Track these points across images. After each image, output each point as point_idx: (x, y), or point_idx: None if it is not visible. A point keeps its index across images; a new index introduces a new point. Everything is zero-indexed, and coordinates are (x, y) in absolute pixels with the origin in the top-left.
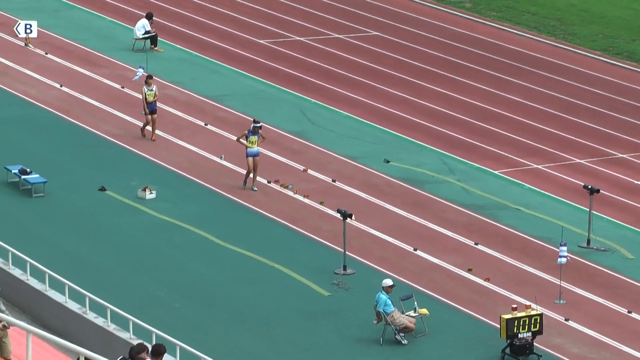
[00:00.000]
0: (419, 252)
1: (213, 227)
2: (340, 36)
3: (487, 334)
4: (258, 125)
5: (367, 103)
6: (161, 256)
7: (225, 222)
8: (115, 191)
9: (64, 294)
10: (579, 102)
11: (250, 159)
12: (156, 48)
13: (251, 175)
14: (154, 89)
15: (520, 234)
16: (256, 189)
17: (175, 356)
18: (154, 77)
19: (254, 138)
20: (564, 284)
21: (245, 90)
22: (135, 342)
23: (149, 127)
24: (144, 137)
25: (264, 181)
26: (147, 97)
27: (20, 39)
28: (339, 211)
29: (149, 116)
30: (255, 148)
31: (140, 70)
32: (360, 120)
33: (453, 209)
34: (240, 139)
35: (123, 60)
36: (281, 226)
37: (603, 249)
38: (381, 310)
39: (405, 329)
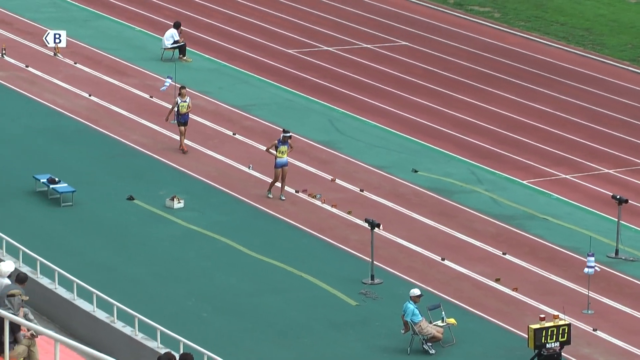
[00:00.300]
0: (446, 262)
1: (241, 237)
2: (369, 46)
3: (515, 344)
4: (288, 135)
5: (395, 113)
6: (189, 265)
7: (253, 232)
8: (143, 200)
9: (92, 303)
10: (607, 112)
11: (279, 169)
12: (185, 58)
13: (278, 184)
14: (187, 100)
15: (548, 244)
16: (284, 198)
17: None
18: (186, 88)
19: (283, 148)
20: (592, 294)
21: (274, 99)
22: (163, 351)
23: (185, 141)
24: (185, 153)
25: (292, 191)
26: (180, 108)
27: (49, 49)
28: (366, 221)
29: (182, 127)
30: (284, 158)
31: (169, 80)
32: (389, 130)
33: (481, 219)
34: (270, 149)
35: (152, 70)
36: (309, 236)
37: (631, 259)
38: (409, 319)
39: (433, 339)
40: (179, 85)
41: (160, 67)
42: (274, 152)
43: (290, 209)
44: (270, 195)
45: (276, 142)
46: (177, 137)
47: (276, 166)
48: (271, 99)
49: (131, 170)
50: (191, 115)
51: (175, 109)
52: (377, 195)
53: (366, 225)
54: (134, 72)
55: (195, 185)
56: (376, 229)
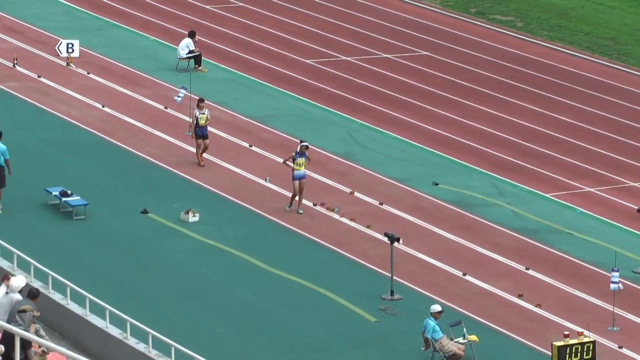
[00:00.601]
0: (468, 277)
1: (257, 251)
2: (389, 56)
3: None
4: (305, 144)
5: (415, 124)
6: (204, 280)
7: (269, 246)
8: (158, 214)
9: (104, 319)
10: (632, 124)
11: (297, 182)
12: (200, 68)
13: (297, 197)
14: (205, 112)
15: (573, 259)
16: (302, 211)
17: None
18: (205, 101)
19: (301, 160)
20: (618, 311)
21: (291, 110)
22: None
23: (204, 154)
24: (202, 166)
25: (310, 204)
26: (198, 120)
27: (62, 59)
28: (386, 235)
29: (200, 140)
30: (302, 170)
31: (183, 90)
32: (408, 141)
33: (503, 233)
34: (287, 162)
35: (166, 80)
36: (327, 250)
37: None
38: (429, 336)
39: (454, 356)
40: (198, 98)
41: (175, 78)
42: (291, 164)
43: (308, 222)
44: (289, 209)
45: (293, 154)
46: (193, 149)
47: (294, 179)
48: (288, 110)
49: (145, 182)
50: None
51: (194, 121)
52: (396, 208)
53: (386, 239)
54: (148, 83)
55: (211, 198)
56: (396, 244)
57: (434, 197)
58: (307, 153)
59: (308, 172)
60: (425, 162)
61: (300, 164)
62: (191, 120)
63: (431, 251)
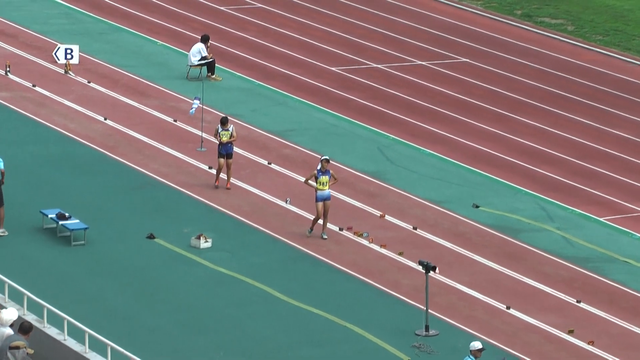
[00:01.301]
0: (512, 311)
1: (277, 281)
2: (425, 63)
3: None
4: (325, 158)
5: (453, 139)
6: (217, 314)
7: (290, 275)
8: (166, 239)
9: (106, 356)
10: None
11: (320, 203)
12: (213, 76)
13: (320, 221)
14: (230, 128)
15: (630, 291)
16: (326, 237)
17: None
18: (229, 120)
19: (324, 179)
20: None
21: (315, 124)
22: None
23: (223, 175)
24: (217, 188)
25: (335, 228)
26: (220, 137)
27: (60, 66)
28: (420, 263)
29: (222, 160)
30: (326, 191)
31: (196, 102)
32: (446, 159)
33: (552, 262)
34: (309, 181)
35: (176, 90)
36: (354, 280)
37: None
38: None
39: None
40: (222, 115)
41: (186, 87)
42: (314, 183)
43: (334, 249)
44: (309, 234)
45: (315, 172)
46: (204, 167)
47: (317, 200)
48: (312, 124)
49: (152, 204)
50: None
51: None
52: (432, 234)
53: (420, 268)
54: (156, 93)
55: (225, 221)
56: (431, 273)
57: (474, 221)
58: (331, 171)
59: (333, 193)
60: (465, 181)
61: (323, 183)
62: (215, 136)
63: (471, 281)
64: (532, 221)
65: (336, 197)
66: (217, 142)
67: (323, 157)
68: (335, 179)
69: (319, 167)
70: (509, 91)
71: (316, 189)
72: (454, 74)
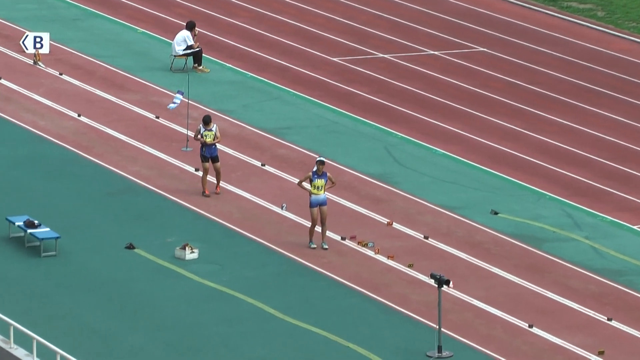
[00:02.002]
0: (535, 330)
1: (271, 296)
2: (436, 53)
3: None
4: (320, 160)
5: (469, 138)
6: (206, 332)
7: (286, 290)
8: (147, 250)
9: None
10: None
11: (315, 209)
12: (200, 67)
13: (318, 229)
14: (213, 128)
15: None
16: (327, 246)
17: None
18: (212, 119)
19: (319, 182)
20: None
21: (314, 121)
22: None
23: (212, 178)
24: (206, 196)
25: (337, 237)
26: (204, 137)
27: (28, 56)
28: (432, 276)
29: (206, 164)
30: (321, 195)
31: (179, 95)
32: (461, 159)
33: (580, 275)
34: (303, 183)
35: (158, 82)
36: (358, 295)
37: None
38: None
39: None
40: (204, 116)
41: (170, 79)
42: (309, 186)
43: (335, 260)
44: (314, 245)
45: (310, 174)
46: (190, 169)
47: (311, 205)
48: (310, 121)
49: (131, 211)
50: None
51: (200, 138)
52: (446, 243)
53: (432, 282)
54: (136, 86)
55: (213, 230)
56: (445, 287)
57: (492, 229)
58: (329, 174)
59: (334, 198)
60: (482, 185)
61: (319, 187)
62: (195, 137)
63: (489, 297)
64: (557, 229)
65: (338, 203)
66: (200, 144)
67: (318, 159)
68: (332, 183)
69: (314, 169)
70: (531, 84)
71: (310, 193)
72: (469, 65)
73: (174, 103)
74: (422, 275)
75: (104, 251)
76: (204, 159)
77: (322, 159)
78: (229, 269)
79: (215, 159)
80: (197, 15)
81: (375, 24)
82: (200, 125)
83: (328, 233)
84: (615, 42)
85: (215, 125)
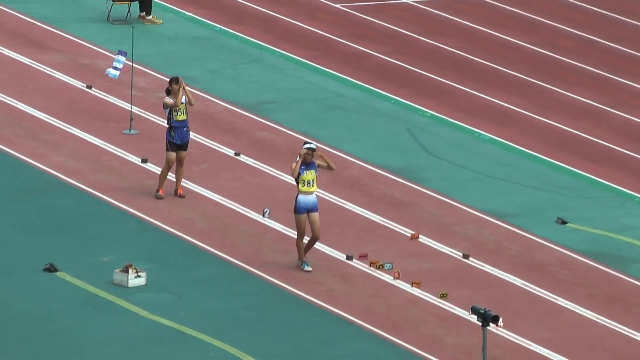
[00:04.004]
0: None
1: (247, 339)
2: None
3: None
4: (310, 146)
5: (527, 117)
6: None
7: (269, 330)
8: (74, 273)
9: None
10: None
11: (304, 216)
12: (149, 17)
13: (306, 239)
14: (184, 99)
15: None
16: (310, 268)
17: None
18: (180, 80)
19: (309, 175)
20: None
21: (309, 93)
22: None
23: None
24: (159, 197)
25: (341, 256)
26: (175, 114)
27: None
28: (474, 311)
29: (173, 154)
30: (312, 195)
31: (121, 57)
32: (516, 147)
33: None
34: (295, 171)
35: (91, 39)
36: (370, 337)
37: None
38: None
39: None
40: (169, 79)
41: (107, 34)
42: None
43: (338, 289)
44: (308, 268)
45: (295, 165)
46: (134, 159)
47: (298, 209)
48: (305, 93)
49: (52, 218)
50: (159, 121)
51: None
52: (493, 265)
53: (474, 318)
54: (60, 43)
55: (168, 245)
56: (492, 326)
57: (558, 245)
58: (321, 155)
59: (336, 201)
60: (545, 183)
61: (309, 183)
62: (168, 108)
63: (553, 339)
64: None
65: (343, 208)
66: (167, 124)
67: (307, 145)
68: (328, 166)
69: (302, 156)
70: (613, 41)
71: (298, 192)
72: (527, 15)
73: (115, 68)
74: (459, 309)
75: (12, 275)
76: (172, 146)
77: (312, 145)
78: (189, 299)
79: (185, 146)
80: None
81: None
82: (168, 97)
83: (328, 251)
84: None
85: (184, 96)
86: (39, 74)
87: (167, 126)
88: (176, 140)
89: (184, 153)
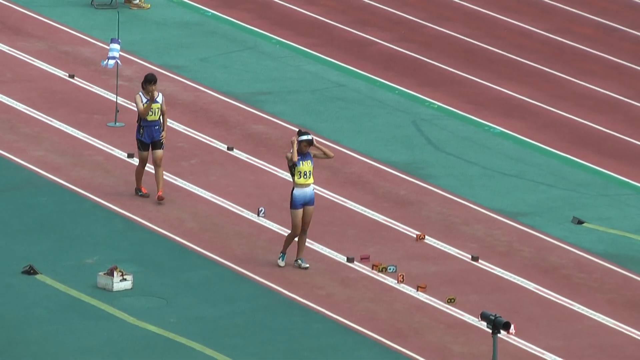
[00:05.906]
0: None
1: (241, 347)
2: None
3: None
4: (306, 138)
5: (541, 109)
6: None
7: (263, 337)
8: (54, 276)
9: None
10: None
11: (300, 211)
12: (136, 2)
13: (298, 237)
14: (159, 99)
15: None
16: (307, 265)
17: None
18: (157, 81)
19: (306, 166)
20: None
21: (308, 83)
22: None
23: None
24: (143, 196)
25: (341, 258)
26: (147, 112)
27: None
28: (484, 317)
29: (145, 153)
30: (309, 187)
31: (116, 46)
32: (529, 141)
33: None
34: (292, 157)
35: (73, 24)
36: (372, 344)
37: None
38: None
39: None
40: (146, 75)
41: (91, 20)
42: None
43: (338, 293)
44: (282, 264)
45: (290, 154)
46: (120, 154)
47: (294, 204)
48: (302, 82)
49: (32, 216)
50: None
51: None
52: (504, 268)
53: (484, 325)
54: (40, 29)
55: (156, 246)
56: (503, 333)
57: (575, 246)
58: (318, 145)
59: (335, 198)
60: (560, 180)
61: (306, 174)
62: (143, 111)
63: (570, 348)
64: None
65: (343, 206)
66: (137, 122)
67: (303, 137)
68: (325, 153)
69: (296, 146)
70: (633, 28)
71: (294, 185)
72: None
73: (112, 58)
74: (468, 315)
75: None
76: (143, 146)
77: (309, 137)
78: (178, 305)
79: (159, 145)
80: None
81: None
82: (140, 92)
83: (327, 253)
84: None
85: (160, 94)
86: (18, 62)
87: (137, 124)
88: (145, 139)
89: (159, 153)
